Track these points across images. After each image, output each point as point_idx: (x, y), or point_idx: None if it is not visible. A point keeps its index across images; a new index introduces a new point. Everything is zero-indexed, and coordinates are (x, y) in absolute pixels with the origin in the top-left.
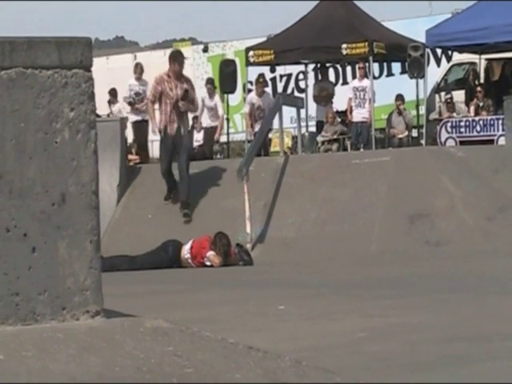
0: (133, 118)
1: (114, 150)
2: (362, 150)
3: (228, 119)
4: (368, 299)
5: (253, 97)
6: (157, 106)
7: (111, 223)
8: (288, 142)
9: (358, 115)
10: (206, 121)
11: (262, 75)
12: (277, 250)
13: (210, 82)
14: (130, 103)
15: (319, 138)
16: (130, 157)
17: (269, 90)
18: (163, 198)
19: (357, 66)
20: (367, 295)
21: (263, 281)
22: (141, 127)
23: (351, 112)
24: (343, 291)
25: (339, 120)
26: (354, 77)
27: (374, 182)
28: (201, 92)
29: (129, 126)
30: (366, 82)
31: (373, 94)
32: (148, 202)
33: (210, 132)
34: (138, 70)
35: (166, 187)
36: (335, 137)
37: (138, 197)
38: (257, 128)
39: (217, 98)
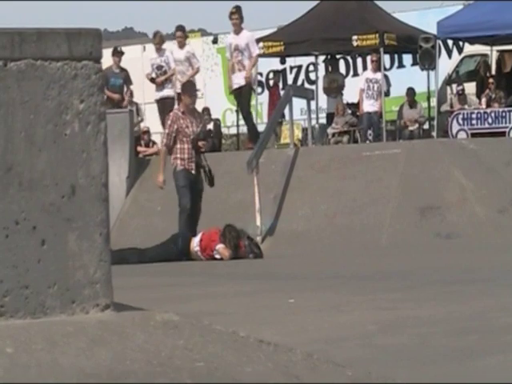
0: (157, 95)
1: (124, 142)
2: (371, 141)
3: (238, 111)
4: (378, 291)
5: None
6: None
7: (120, 215)
8: (298, 133)
9: (370, 106)
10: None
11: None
12: (287, 243)
13: (180, 29)
14: (151, 79)
15: (329, 130)
16: (140, 149)
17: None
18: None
19: (370, 59)
20: (378, 287)
21: (273, 274)
22: (166, 105)
23: (362, 103)
24: (354, 283)
25: (349, 112)
26: (364, 68)
27: (385, 175)
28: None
29: (154, 106)
30: (379, 75)
31: (388, 87)
32: (157, 194)
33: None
34: (157, 39)
35: (189, 223)
36: (345, 129)
37: (148, 189)
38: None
39: (188, 47)
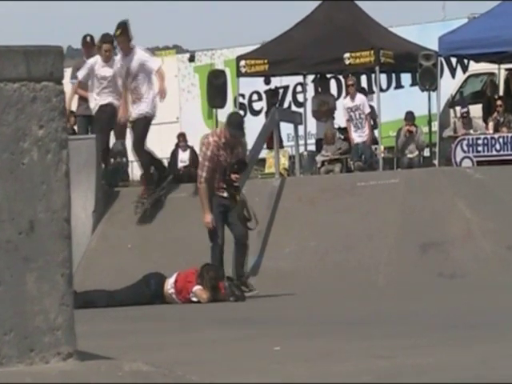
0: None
1: (90, 171)
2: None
3: None
4: (374, 338)
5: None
6: None
7: (86, 254)
8: (285, 162)
9: (357, 137)
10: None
11: None
12: (272, 283)
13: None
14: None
15: (319, 158)
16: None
17: (263, 103)
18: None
19: (345, 83)
20: (374, 333)
21: (257, 318)
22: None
23: (351, 134)
24: (346, 329)
25: (342, 137)
26: (359, 89)
27: (382, 207)
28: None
29: None
30: (359, 99)
31: (374, 111)
32: (128, 230)
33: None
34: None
35: (216, 261)
36: (337, 156)
37: (117, 224)
38: None
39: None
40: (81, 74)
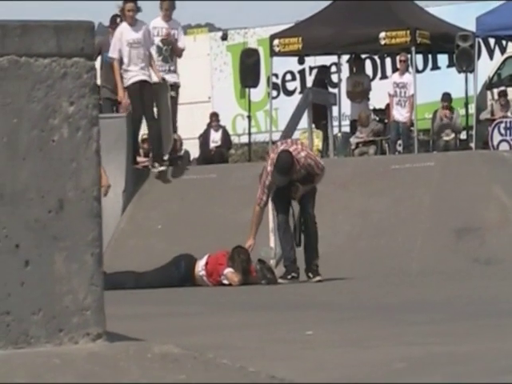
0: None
1: (120, 150)
2: (401, 153)
3: (250, 117)
4: (408, 325)
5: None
6: None
7: (115, 235)
8: (318, 144)
9: (399, 115)
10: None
11: None
12: (303, 267)
13: None
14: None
15: (353, 140)
16: (139, 159)
17: (296, 83)
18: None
19: (398, 59)
20: (407, 320)
21: (289, 302)
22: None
23: (392, 110)
24: (379, 315)
25: (377, 118)
26: (394, 70)
27: (416, 191)
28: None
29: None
30: (407, 78)
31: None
32: (158, 210)
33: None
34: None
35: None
36: (371, 138)
37: (147, 205)
38: None
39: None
40: (114, 53)
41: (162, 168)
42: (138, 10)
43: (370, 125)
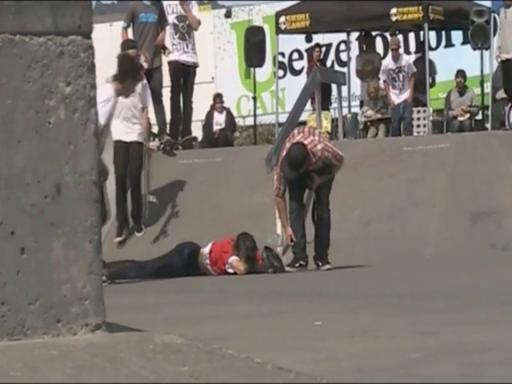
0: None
1: None
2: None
3: (255, 98)
4: (422, 313)
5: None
6: None
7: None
8: (327, 125)
9: (396, 98)
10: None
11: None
12: (313, 255)
13: None
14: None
15: (360, 118)
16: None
17: (304, 62)
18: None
19: (390, 41)
20: (421, 308)
21: (296, 291)
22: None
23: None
24: (391, 303)
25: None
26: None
27: (430, 174)
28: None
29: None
30: (404, 60)
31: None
32: (162, 195)
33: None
34: None
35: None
36: (379, 116)
37: (151, 189)
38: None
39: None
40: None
41: (140, 234)
42: None
43: (379, 100)
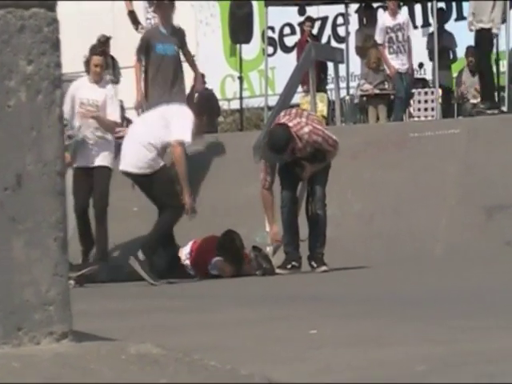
0: None
1: None
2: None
3: (241, 78)
4: (429, 319)
5: None
6: None
7: None
8: (322, 108)
9: (401, 64)
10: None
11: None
12: (306, 255)
13: None
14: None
15: (356, 92)
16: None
17: (296, 38)
18: None
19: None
20: (430, 313)
21: (289, 295)
22: None
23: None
24: (396, 309)
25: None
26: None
27: (440, 163)
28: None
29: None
30: (402, 17)
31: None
32: (133, 190)
33: None
34: None
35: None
36: (377, 91)
37: (120, 183)
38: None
39: None
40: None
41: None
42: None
43: (379, 73)
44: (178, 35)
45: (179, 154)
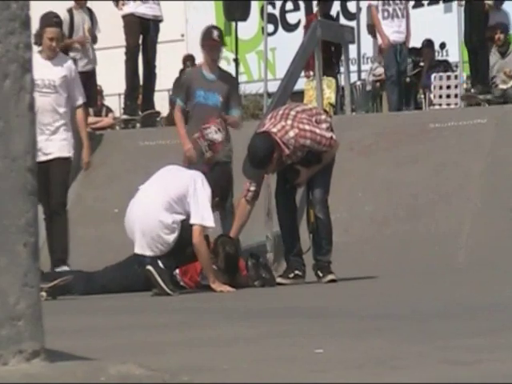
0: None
1: None
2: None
3: (237, 61)
4: (452, 336)
5: None
6: None
7: None
8: (330, 95)
9: (397, 33)
10: None
11: None
12: (311, 263)
13: None
14: None
15: (368, 77)
16: (89, 120)
17: (300, 15)
18: None
19: None
20: (451, 330)
21: (291, 309)
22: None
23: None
24: (412, 325)
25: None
26: None
27: (463, 158)
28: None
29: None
30: None
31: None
32: (113, 189)
33: None
34: None
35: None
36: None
37: (99, 181)
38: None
39: None
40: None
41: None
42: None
43: None
44: (228, 83)
45: (201, 242)
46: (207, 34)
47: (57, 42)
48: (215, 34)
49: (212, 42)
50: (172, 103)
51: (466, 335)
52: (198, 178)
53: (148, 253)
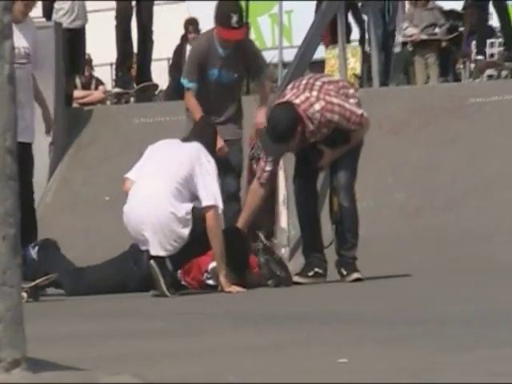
0: None
1: (46, 78)
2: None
3: (247, 25)
4: (492, 345)
5: None
6: None
7: (40, 208)
8: (355, 65)
9: None
10: None
11: None
12: (334, 259)
13: None
14: None
15: (398, 37)
16: (76, 93)
17: None
18: None
19: None
20: (490, 338)
21: (310, 313)
22: None
23: None
24: (448, 331)
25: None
26: None
27: (507, 139)
28: None
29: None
30: None
31: None
32: (104, 171)
33: None
34: None
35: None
36: (425, 37)
37: (87, 164)
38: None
39: None
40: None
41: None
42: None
43: (427, 13)
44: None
45: (218, 226)
46: (225, 19)
47: (31, 7)
48: (234, 19)
49: (231, 31)
50: (174, 82)
51: (504, 344)
52: (200, 152)
53: (162, 253)
